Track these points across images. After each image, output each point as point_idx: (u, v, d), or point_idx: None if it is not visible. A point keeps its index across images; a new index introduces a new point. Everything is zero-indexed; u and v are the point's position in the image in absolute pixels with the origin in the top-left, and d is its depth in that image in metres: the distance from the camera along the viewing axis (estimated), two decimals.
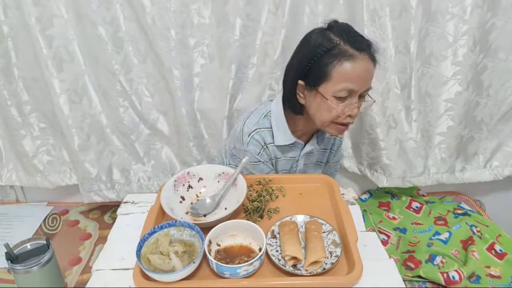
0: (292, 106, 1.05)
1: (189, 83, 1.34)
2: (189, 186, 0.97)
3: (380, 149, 1.41)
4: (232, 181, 0.94)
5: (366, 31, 1.24)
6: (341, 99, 0.96)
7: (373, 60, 0.96)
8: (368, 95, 1.01)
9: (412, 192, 1.64)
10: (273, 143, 1.08)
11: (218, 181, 0.98)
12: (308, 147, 1.12)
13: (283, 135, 1.07)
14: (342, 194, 0.96)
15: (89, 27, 1.26)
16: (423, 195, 1.64)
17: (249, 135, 1.07)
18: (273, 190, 0.98)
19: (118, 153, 1.48)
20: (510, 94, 1.36)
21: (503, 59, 1.30)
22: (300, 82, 0.99)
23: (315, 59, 0.94)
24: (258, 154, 1.08)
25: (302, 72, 0.98)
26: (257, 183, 1.00)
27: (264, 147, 1.08)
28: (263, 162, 1.09)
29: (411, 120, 1.40)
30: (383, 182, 1.48)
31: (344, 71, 0.92)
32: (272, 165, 1.13)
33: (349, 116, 0.98)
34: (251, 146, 1.07)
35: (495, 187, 1.61)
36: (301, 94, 1.01)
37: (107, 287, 0.75)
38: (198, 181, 0.98)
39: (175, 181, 0.95)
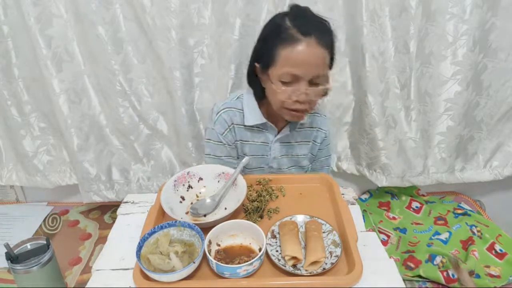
0: (253, 88, 1.06)
1: (189, 83, 1.34)
2: (189, 186, 0.97)
3: (379, 149, 1.41)
4: (232, 181, 0.94)
5: (366, 31, 1.24)
6: (286, 83, 0.94)
7: (324, 45, 0.92)
8: (329, 81, 0.98)
9: (412, 192, 1.64)
10: (242, 124, 1.08)
11: (218, 181, 0.98)
12: (282, 134, 1.10)
13: (253, 116, 1.07)
14: (342, 194, 0.96)
15: (89, 27, 1.26)
16: (423, 195, 1.64)
17: (217, 113, 1.08)
18: (273, 190, 0.98)
19: (117, 153, 1.48)
20: (510, 94, 1.36)
21: (503, 59, 1.30)
22: (256, 64, 1.00)
23: (266, 42, 0.96)
24: (222, 134, 1.09)
25: (257, 55, 1.00)
26: (257, 183, 1.00)
27: (231, 127, 1.08)
28: (224, 144, 1.10)
29: (410, 120, 1.40)
30: (382, 181, 1.48)
31: (287, 56, 0.92)
32: (236, 148, 1.12)
33: (297, 102, 0.96)
34: (217, 125, 1.08)
35: (495, 187, 1.61)
36: (260, 77, 1.02)
37: (107, 287, 0.75)
38: (198, 181, 0.98)
39: (175, 181, 0.95)
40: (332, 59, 0.98)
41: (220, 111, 1.08)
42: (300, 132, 1.14)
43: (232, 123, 1.08)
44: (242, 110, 1.08)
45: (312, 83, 0.95)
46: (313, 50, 0.91)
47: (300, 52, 0.90)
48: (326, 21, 0.97)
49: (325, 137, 1.19)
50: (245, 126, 1.08)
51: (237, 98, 1.10)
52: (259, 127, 1.09)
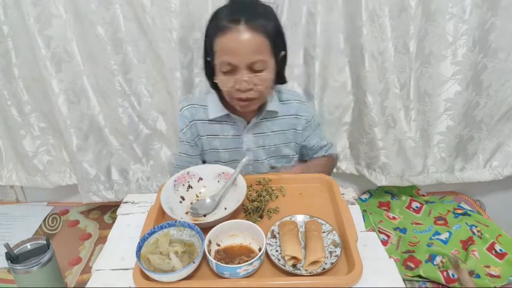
0: (210, 82, 1.06)
1: (189, 83, 1.34)
2: (189, 186, 0.97)
3: (378, 149, 1.41)
4: (232, 181, 0.94)
5: (365, 31, 1.24)
6: (226, 73, 0.95)
7: (257, 30, 0.92)
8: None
9: (412, 192, 1.64)
10: (206, 119, 1.09)
11: (218, 181, 0.98)
12: (251, 125, 1.10)
13: (215, 108, 1.07)
14: (342, 194, 0.96)
15: (88, 27, 1.26)
16: (423, 195, 1.64)
17: (180, 111, 1.10)
18: (273, 190, 0.98)
19: (116, 154, 1.48)
20: (510, 94, 1.36)
21: (503, 59, 1.30)
22: (207, 58, 1.02)
23: (206, 36, 0.98)
24: (182, 131, 1.10)
25: (205, 49, 1.02)
26: (257, 183, 1.00)
27: (191, 123, 1.09)
28: (182, 141, 1.11)
29: (410, 119, 1.40)
30: (382, 181, 1.48)
31: (220, 45, 0.93)
32: (200, 145, 1.12)
33: (239, 90, 0.96)
34: (180, 122, 1.10)
35: (495, 187, 1.61)
36: (212, 70, 1.03)
37: (107, 287, 0.75)
38: (198, 181, 0.98)
39: (175, 181, 0.95)
40: (277, 44, 0.97)
41: (183, 108, 1.10)
42: (275, 121, 1.12)
43: (193, 120, 1.09)
44: (207, 106, 1.08)
45: (253, 70, 0.94)
46: (244, 36, 0.90)
47: (230, 39, 0.91)
48: (265, 6, 0.97)
49: (308, 123, 1.16)
50: (209, 120, 1.08)
51: (205, 93, 1.12)
52: (226, 121, 1.09)
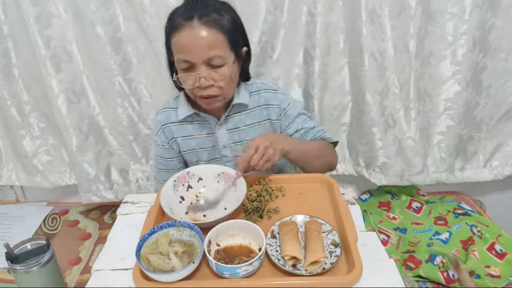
0: (174, 82, 1.03)
1: None
2: (189, 186, 0.97)
3: (378, 148, 1.41)
4: (231, 181, 0.94)
5: (365, 31, 1.24)
6: (185, 70, 0.94)
7: (211, 25, 0.91)
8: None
9: (412, 192, 1.64)
10: (177, 121, 1.09)
11: (218, 181, 0.97)
12: (222, 120, 1.07)
13: (184, 109, 1.07)
14: (342, 194, 0.96)
15: (88, 27, 1.26)
16: (423, 195, 1.64)
17: (156, 115, 1.12)
18: (272, 190, 0.97)
19: (116, 154, 1.48)
20: (510, 94, 1.36)
21: (503, 59, 1.30)
22: (169, 58, 1.01)
23: (165, 36, 0.98)
24: (157, 134, 1.11)
25: (166, 48, 1.01)
26: (257, 183, 1.00)
27: (163, 127, 1.10)
28: (157, 144, 1.12)
29: (409, 119, 1.40)
30: (382, 180, 1.48)
31: (175, 43, 0.93)
32: (172, 148, 1.12)
33: (199, 88, 0.95)
34: (155, 126, 1.12)
35: (495, 187, 1.61)
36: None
37: (107, 287, 0.75)
38: (198, 181, 0.98)
39: (175, 181, 0.95)
40: (235, 39, 0.96)
41: (157, 113, 1.12)
42: (248, 114, 1.09)
43: (166, 123, 1.09)
44: (177, 108, 1.08)
45: (211, 66, 0.93)
46: (197, 32, 0.90)
47: (184, 36, 0.91)
48: (221, 2, 0.96)
49: (283, 111, 1.10)
50: (180, 121, 1.08)
51: (176, 97, 1.11)
52: (197, 120, 1.09)
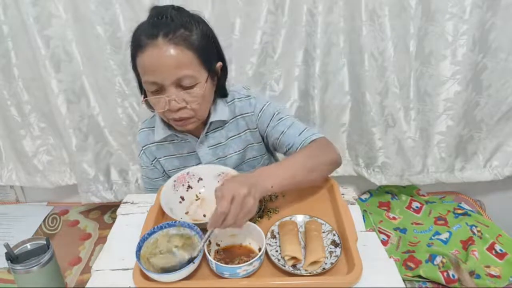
0: (145, 103, 0.95)
1: None
2: (189, 186, 0.97)
3: (378, 148, 1.41)
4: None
5: (365, 31, 1.24)
6: (155, 92, 0.87)
7: (179, 42, 0.83)
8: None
9: (412, 192, 1.64)
10: (156, 141, 1.03)
11: (218, 181, 0.97)
12: (201, 138, 1.01)
13: (160, 130, 1.01)
14: (342, 194, 0.96)
15: (88, 27, 1.26)
16: (423, 195, 1.64)
17: (137, 135, 1.07)
18: None
19: (116, 154, 1.48)
20: (510, 94, 1.36)
21: (503, 59, 1.30)
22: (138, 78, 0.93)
23: (131, 56, 0.90)
24: (139, 156, 1.08)
25: (132, 68, 0.93)
26: None
27: (145, 148, 1.05)
28: (141, 166, 1.09)
29: (409, 119, 1.40)
30: (381, 180, 1.48)
31: (140, 64, 0.85)
32: (156, 168, 1.07)
33: (169, 111, 0.87)
34: (137, 147, 1.07)
35: (495, 187, 1.61)
36: None
37: (107, 287, 0.75)
38: (198, 181, 0.98)
39: (175, 181, 0.95)
40: (207, 56, 0.88)
41: (138, 133, 1.07)
42: (228, 126, 1.02)
43: (146, 144, 1.05)
44: (154, 127, 1.03)
45: (182, 86, 0.86)
46: (163, 51, 0.82)
47: (149, 56, 0.83)
48: (190, 15, 0.88)
49: (258, 117, 1.01)
50: (160, 142, 1.03)
51: (154, 115, 1.03)
52: (176, 139, 1.03)
